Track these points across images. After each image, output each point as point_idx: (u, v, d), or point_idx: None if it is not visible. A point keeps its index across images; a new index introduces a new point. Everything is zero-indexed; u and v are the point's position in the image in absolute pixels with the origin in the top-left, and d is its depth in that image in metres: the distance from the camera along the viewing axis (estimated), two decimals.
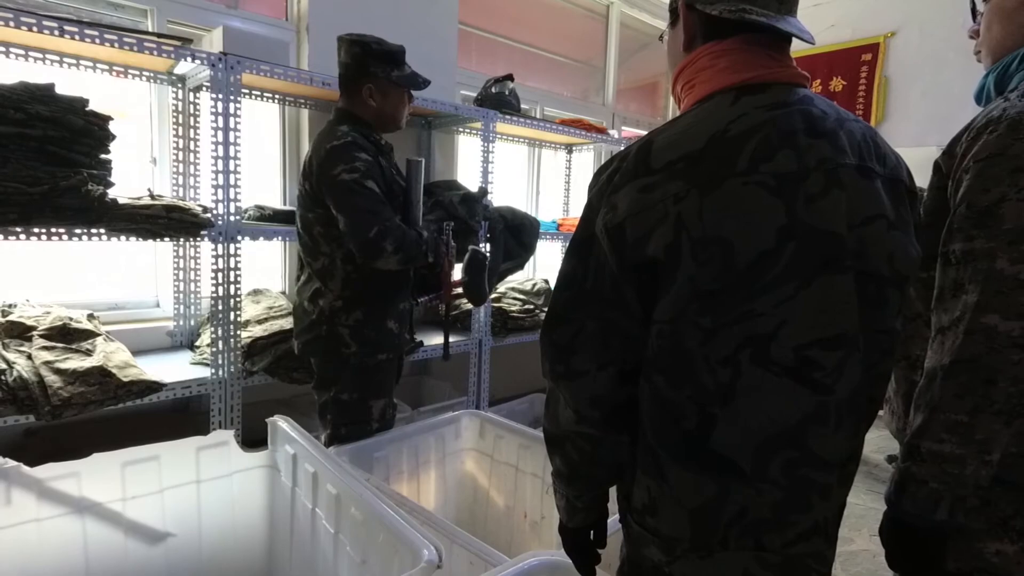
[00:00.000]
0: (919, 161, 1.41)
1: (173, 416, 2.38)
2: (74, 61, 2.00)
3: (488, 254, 2.15)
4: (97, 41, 1.74)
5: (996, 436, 0.86)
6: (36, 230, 1.67)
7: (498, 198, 3.01)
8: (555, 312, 0.83)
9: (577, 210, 0.86)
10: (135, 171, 2.38)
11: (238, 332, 2.12)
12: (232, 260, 2.08)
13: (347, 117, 1.87)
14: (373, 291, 1.86)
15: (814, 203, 0.72)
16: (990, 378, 0.86)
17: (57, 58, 1.96)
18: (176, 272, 2.42)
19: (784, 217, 0.71)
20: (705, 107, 0.78)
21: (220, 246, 2.05)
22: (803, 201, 0.71)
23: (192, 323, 2.48)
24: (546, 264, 3.93)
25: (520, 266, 3.01)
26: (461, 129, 3.20)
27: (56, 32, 1.67)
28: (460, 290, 2.11)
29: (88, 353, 1.88)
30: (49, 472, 1.43)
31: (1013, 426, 0.86)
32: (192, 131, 2.38)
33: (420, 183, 1.95)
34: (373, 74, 1.85)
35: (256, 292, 2.58)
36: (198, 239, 2.02)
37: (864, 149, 0.78)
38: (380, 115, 1.90)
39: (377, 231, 1.71)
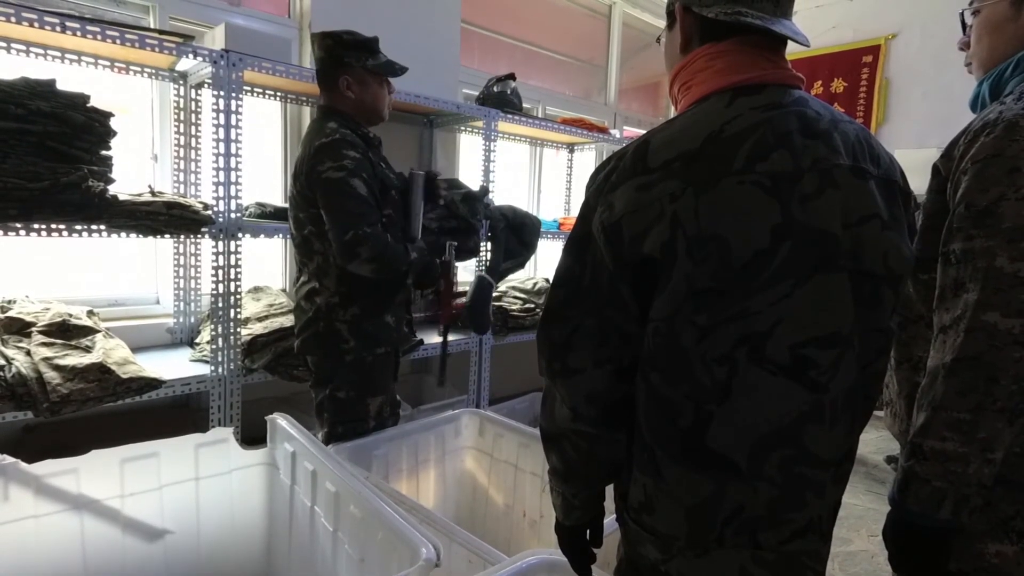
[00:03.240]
0: (920, 163, 1.41)
1: (172, 413, 2.38)
2: (75, 57, 2.00)
3: (492, 282, 2.14)
4: (99, 37, 1.74)
5: (999, 435, 0.86)
6: (36, 226, 1.67)
7: (499, 197, 3.01)
8: (552, 309, 0.83)
9: (578, 209, 0.87)
10: (136, 168, 2.38)
11: (238, 329, 2.13)
12: (232, 257, 2.08)
13: (331, 113, 1.84)
14: (367, 286, 1.84)
15: (809, 203, 0.72)
16: (992, 375, 0.86)
17: (59, 54, 1.96)
18: (176, 269, 2.42)
19: (779, 216, 0.71)
20: (701, 107, 0.79)
21: (221, 243, 2.05)
22: (798, 201, 0.72)
23: (192, 320, 2.48)
24: (547, 263, 3.93)
25: (521, 265, 3.02)
26: (463, 128, 3.20)
27: (58, 28, 1.67)
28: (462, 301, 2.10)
29: (87, 350, 1.88)
30: (47, 468, 1.43)
31: (1016, 425, 0.87)
32: (193, 128, 2.38)
33: (420, 196, 1.94)
34: (348, 64, 1.83)
35: (256, 289, 2.58)
36: (199, 236, 2.02)
37: (858, 150, 0.78)
38: (361, 106, 1.87)
39: (352, 236, 1.68)
